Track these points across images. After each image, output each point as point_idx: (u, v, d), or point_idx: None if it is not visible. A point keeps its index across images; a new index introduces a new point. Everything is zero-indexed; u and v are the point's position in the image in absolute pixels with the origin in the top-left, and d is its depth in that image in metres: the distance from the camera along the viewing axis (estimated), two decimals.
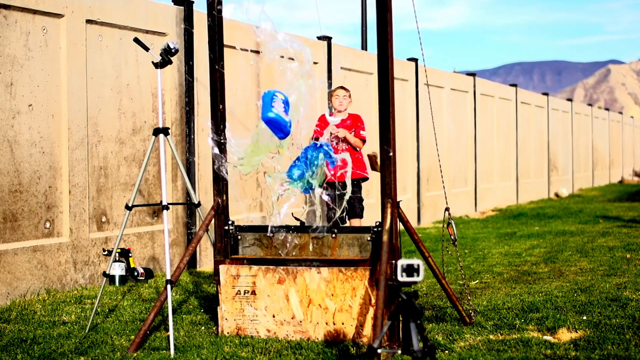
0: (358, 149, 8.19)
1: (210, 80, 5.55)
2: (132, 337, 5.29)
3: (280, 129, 5.33)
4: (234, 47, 9.03)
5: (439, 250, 9.85)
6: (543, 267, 8.32)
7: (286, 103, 5.38)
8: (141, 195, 7.99)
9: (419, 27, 5.61)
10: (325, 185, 5.67)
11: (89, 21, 7.37)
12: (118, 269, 7.38)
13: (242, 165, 5.44)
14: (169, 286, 5.11)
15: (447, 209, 5.61)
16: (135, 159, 7.91)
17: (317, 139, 8.06)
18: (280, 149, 5.45)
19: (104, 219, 7.56)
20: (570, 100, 24.67)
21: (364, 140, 8.22)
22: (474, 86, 16.44)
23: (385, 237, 4.93)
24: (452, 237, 5.54)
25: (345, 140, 8.03)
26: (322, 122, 8.24)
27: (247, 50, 9.26)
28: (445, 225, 5.62)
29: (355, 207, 8.11)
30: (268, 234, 5.45)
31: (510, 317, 5.70)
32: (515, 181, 18.94)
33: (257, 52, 9.51)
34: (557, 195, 21.70)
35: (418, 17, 5.67)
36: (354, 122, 8.25)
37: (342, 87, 8.52)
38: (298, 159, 5.62)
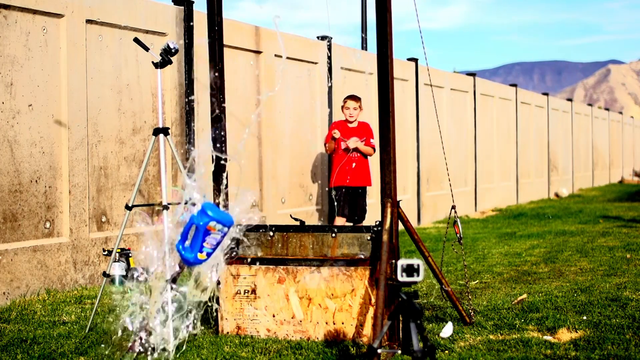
0: (369, 156, 8.54)
1: (210, 80, 5.54)
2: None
3: (189, 262, 4.63)
4: (234, 47, 9.02)
5: (439, 250, 9.84)
6: (543, 267, 8.32)
7: (223, 236, 4.60)
8: (141, 195, 7.99)
9: (420, 26, 5.62)
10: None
11: (89, 21, 7.37)
12: (118, 269, 7.38)
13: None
14: (169, 286, 5.10)
15: (453, 207, 5.60)
16: (135, 159, 7.91)
17: (325, 144, 8.64)
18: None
19: (104, 219, 7.56)
20: (570, 100, 24.66)
21: (374, 149, 8.53)
22: (474, 86, 16.44)
23: (385, 237, 4.92)
24: (458, 235, 5.51)
25: (356, 150, 8.40)
26: (335, 127, 8.76)
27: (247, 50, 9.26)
28: (452, 224, 5.59)
29: (358, 215, 8.68)
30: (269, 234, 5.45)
31: (510, 317, 5.70)
32: (515, 181, 18.94)
33: (258, 52, 9.51)
34: (557, 195, 21.69)
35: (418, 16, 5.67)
36: (364, 131, 8.54)
37: (352, 98, 8.62)
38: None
